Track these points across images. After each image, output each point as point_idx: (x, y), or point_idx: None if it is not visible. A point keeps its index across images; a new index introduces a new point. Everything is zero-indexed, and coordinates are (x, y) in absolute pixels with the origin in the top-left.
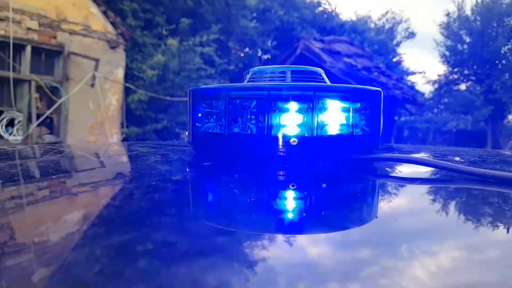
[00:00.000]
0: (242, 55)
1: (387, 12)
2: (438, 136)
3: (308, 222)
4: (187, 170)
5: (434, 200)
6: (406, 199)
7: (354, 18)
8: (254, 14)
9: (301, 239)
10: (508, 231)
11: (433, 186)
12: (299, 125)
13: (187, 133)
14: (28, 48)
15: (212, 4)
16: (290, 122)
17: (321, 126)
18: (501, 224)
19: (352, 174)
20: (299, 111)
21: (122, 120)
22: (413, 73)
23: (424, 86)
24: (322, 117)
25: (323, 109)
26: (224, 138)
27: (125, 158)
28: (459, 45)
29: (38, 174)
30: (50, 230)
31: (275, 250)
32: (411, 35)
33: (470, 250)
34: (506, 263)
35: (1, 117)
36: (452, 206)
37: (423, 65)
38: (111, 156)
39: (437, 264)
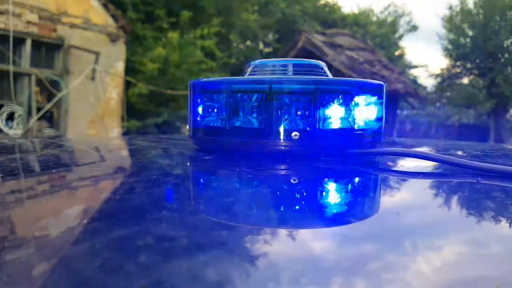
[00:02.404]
0: (243, 48)
1: (389, 5)
2: (441, 130)
3: (309, 216)
4: (188, 164)
5: (436, 195)
6: (408, 194)
7: (356, 11)
8: (256, 7)
9: (303, 234)
10: (511, 226)
11: (435, 180)
12: (300, 119)
13: (188, 126)
14: (28, 42)
15: None
16: (291, 115)
17: (323, 120)
18: (503, 219)
19: (354, 169)
20: (301, 104)
21: (123, 113)
22: (415, 67)
23: (426, 79)
24: (323, 111)
25: (324, 102)
26: (225, 132)
27: (125, 152)
28: (461, 39)
29: (38, 168)
30: (50, 224)
31: (276, 245)
32: (414, 28)
33: (473, 244)
34: (509, 258)
35: (1, 111)
36: (454, 200)
37: (426, 59)
38: (111, 150)
39: (440, 259)
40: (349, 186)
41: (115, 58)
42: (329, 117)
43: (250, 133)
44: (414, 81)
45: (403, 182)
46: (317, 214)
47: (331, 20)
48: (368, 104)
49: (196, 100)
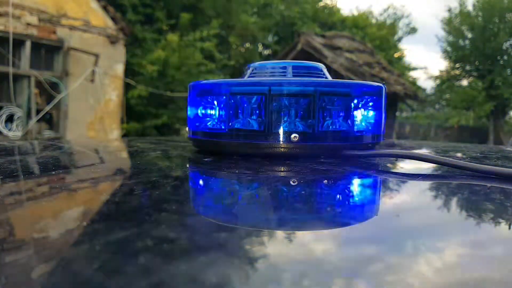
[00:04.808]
0: (242, 50)
1: (388, 8)
2: (440, 132)
3: (309, 218)
4: (187, 166)
5: (436, 197)
6: (408, 196)
7: (355, 13)
8: (255, 9)
9: (303, 236)
10: (510, 228)
11: (435, 182)
12: (300, 121)
13: (187, 129)
14: (28, 44)
15: None
16: (291, 117)
17: (322, 122)
18: (503, 221)
19: (353, 171)
20: (300, 106)
21: (122, 115)
22: (415, 69)
23: (425, 81)
24: (323, 113)
25: (324, 104)
26: (225, 134)
27: (125, 154)
28: (460, 41)
29: (37, 170)
30: (49, 226)
31: (276, 247)
32: (413, 30)
33: (473, 246)
34: (510, 260)
35: (1, 113)
36: (454, 202)
37: (425, 61)
38: (110, 152)
39: (441, 261)
40: (349, 188)
41: (115, 60)
42: (329, 119)
43: (250, 135)
44: (414, 83)
45: (402, 184)
46: (316, 216)
47: (331, 22)
48: (367, 106)
49: (195, 102)
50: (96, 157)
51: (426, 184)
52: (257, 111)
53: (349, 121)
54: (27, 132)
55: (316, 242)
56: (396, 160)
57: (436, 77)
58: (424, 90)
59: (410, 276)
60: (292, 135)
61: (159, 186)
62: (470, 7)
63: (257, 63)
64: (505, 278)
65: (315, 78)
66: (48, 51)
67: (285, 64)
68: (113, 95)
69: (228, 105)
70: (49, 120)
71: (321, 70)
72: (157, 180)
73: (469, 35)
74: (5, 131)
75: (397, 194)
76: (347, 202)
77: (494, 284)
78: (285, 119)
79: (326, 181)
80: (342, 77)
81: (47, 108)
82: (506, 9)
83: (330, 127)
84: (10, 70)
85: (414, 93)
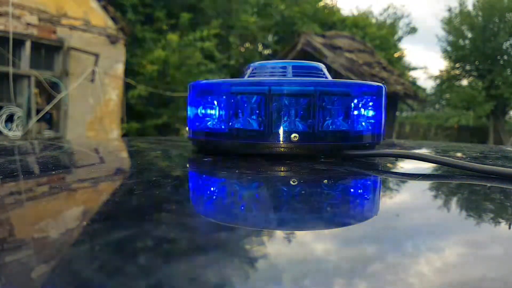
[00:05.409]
0: (242, 50)
1: (388, 7)
2: (440, 132)
3: (309, 218)
4: (187, 165)
5: (436, 196)
6: (407, 195)
7: (355, 13)
8: (255, 9)
9: (302, 236)
10: (510, 227)
11: (434, 182)
12: (300, 121)
13: (187, 128)
14: (28, 43)
15: None
16: (291, 117)
17: (322, 121)
18: (503, 221)
19: (353, 170)
20: (300, 106)
21: (122, 115)
22: (415, 69)
23: (426, 81)
24: (323, 113)
25: (324, 104)
26: (225, 134)
27: (125, 154)
28: (460, 41)
29: (37, 170)
30: (49, 226)
31: (276, 247)
32: (413, 30)
33: (473, 246)
34: (509, 259)
35: (1, 113)
36: (453, 202)
37: (425, 61)
38: (110, 152)
39: (440, 261)
40: (349, 188)
41: (115, 60)
42: (329, 119)
43: (250, 135)
44: (414, 83)
45: (402, 184)
46: (316, 216)
47: (331, 22)
48: (367, 105)
49: (195, 101)
50: (96, 157)
51: (426, 184)
52: (257, 111)
53: (349, 121)
54: (27, 132)
55: (316, 242)
56: (396, 160)
57: (436, 77)
58: (424, 90)
59: (410, 276)
60: (292, 135)
61: (159, 186)
62: (470, 7)
63: (257, 63)
64: (505, 278)
65: (315, 78)
66: (48, 51)
67: (285, 64)
68: (113, 95)
69: (228, 105)
70: (49, 120)
71: (321, 70)
72: (157, 180)
73: (469, 35)
74: (5, 131)
75: (397, 194)
76: (347, 202)
77: (494, 284)
78: (285, 119)
79: (326, 181)
80: (342, 77)
81: (47, 108)
82: (506, 9)
83: (330, 127)
84: (10, 70)
85: (414, 93)
